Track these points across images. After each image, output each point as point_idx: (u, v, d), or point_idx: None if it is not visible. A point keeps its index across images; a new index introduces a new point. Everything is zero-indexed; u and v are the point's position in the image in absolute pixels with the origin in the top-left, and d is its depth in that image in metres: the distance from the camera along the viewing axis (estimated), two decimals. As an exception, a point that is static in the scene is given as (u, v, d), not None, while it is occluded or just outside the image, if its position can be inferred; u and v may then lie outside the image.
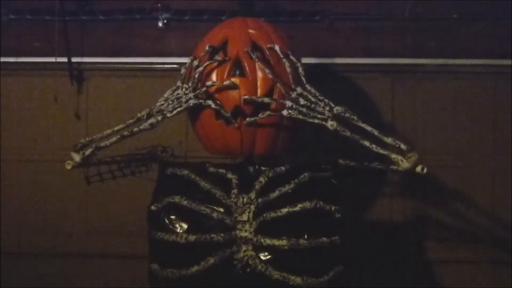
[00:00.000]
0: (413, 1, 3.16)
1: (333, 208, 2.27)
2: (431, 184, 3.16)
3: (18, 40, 3.27)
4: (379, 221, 3.20)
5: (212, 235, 2.23)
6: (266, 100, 2.33)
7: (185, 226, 2.27)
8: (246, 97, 2.33)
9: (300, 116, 2.29)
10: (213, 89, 2.38)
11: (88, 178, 2.58)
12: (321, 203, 2.25)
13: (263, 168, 2.36)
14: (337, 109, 2.30)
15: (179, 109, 2.37)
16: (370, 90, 3.20)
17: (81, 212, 3.27)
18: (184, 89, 2.41)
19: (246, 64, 2.37)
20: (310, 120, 2.29)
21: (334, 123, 2.26)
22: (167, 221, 2.29)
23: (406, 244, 3.20)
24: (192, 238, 2.23)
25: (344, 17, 3.18)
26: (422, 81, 3.20)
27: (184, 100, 2.38)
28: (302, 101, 2.32)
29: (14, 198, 3.29)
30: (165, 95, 2.45)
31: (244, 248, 2.24)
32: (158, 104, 2.41)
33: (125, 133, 2.35)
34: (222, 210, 2.27)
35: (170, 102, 2.40)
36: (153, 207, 2.33)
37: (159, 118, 2.35)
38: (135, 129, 2.35)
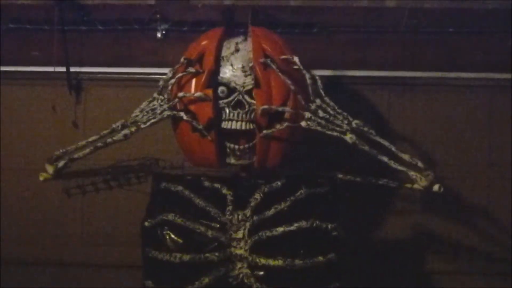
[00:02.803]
0: (410, 14, 3.15)
1: (329, 226, 2.26)
2: (429, 196, 3.15)
3: (17, 49, 3.26)
4: (376, 234, 3.20)
5: (207, 254, 2.22)
6: (287, 109, 2.29)
7: (179, 241, 2.27)
8: (265, 106, 2.26)
9: (319, 128, 2.29)
10: (186, 100, 2.36)
11: (68, 190, 2.58)
12: (317, 222, 2.24)
13: (259, 181, 2.35)
14: (356, 122, 2.30)
15: (153, 121, 2.38)
16: (367, 103, 3.19)
17: (78, 221, 3.27)
18: (159, 101, 2.42)
19: (260, 75, 2.31)
20: (329, 132, 2.28)
21: (353, 136, 2.25)
22: (161, 237, 2.28)
23: (404, 256, 3.19)
24: (186, 258, 2.22)
25: (342, 30, 3.17)
26: (419, 94, 3.19)
27: (158, 111, 2.39)
28: (321, 113, 2.31)
29: (12, 207, 3.28)
30: (141, 106, 2.46)
31: (239, 265, 2.24)
32: (133, 115, 2.42)
33: (99, 144, 2.36)
34: (217, 225, 2.27)
35: (145, 113, 2.41)
36: (146, 223, 2.32)
37: (133, 129, 2.36)
38: (109, 140, 2.36)
